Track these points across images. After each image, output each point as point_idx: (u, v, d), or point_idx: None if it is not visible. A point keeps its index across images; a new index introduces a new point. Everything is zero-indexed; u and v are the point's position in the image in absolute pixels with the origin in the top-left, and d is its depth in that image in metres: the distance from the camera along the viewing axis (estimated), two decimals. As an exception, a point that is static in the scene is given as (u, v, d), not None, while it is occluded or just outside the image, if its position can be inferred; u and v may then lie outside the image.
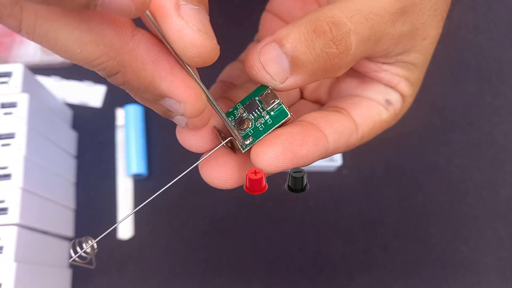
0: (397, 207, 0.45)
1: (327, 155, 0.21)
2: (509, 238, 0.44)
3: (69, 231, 0.42)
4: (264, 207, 0.44)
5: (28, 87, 0.37)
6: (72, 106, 0.46)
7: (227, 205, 0.44)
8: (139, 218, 0.43)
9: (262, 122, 0.20)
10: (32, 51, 0.48)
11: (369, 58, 0.22)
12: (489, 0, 0.54)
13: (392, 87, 0.23)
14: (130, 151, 0.44)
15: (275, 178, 0.47)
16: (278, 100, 0.20)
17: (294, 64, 0.19)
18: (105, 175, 0.44)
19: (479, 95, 0.49)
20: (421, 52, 0.22)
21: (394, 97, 0.23)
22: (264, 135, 0.20)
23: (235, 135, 0.20)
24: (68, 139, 0.44)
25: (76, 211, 0.43)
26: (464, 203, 0.45)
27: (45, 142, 0.39)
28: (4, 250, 0.32)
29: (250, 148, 0.20)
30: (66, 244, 0.41)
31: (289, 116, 0.20)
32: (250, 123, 0.20)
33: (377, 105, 0.23)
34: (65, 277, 0.40)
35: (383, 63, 0.22)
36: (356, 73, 0.24)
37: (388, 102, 0.23)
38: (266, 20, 0.26)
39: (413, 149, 0.47)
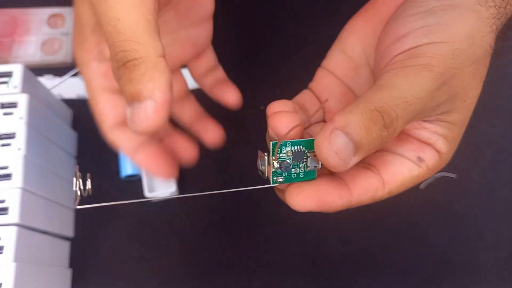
0: (396, 207, 0.45)
1: (351, 205, 0.25)
2: (508, 238, 0.44)
3: (69, 231, 0.42)
4: (264, 207, 0.44)
5: (28, 87, 0.37)
6: (70, 104, 0.46)
7: (227, 205, 0.44)
8: (139, 218, 0.43)
9: (297, 172, 0.24)
10: (32, 51, 0.48)
11: None
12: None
13: (429, 144, 0.25)
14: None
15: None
16: (318, 166, 0.24)
17: (357, 147, 0.22)
18: (105, 175, 0.45)
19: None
20: (461, 112, 0.25)
21: (429, 154, 0.25)
22: (294, 182, 0.24)
23: (272, 167, 0.23)
24: (68, 139, 0.44)
25: (76, 211, 0.43)
26: (463, 203, 0.45)
27: (45, 142, 0.39)
28: (4, 250, 0.32)
29: (278, 184, 0.24)
30: (66, 244, 0.42)
31: (315, 178, 0.24)
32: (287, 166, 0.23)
33: (409, 162, 0.25)
34: (65, 277, 0.40)
35: (424, 121, 0.25)
36: None
37: (419, 159, 0.25)
38: (321, 75, 0.29)
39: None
